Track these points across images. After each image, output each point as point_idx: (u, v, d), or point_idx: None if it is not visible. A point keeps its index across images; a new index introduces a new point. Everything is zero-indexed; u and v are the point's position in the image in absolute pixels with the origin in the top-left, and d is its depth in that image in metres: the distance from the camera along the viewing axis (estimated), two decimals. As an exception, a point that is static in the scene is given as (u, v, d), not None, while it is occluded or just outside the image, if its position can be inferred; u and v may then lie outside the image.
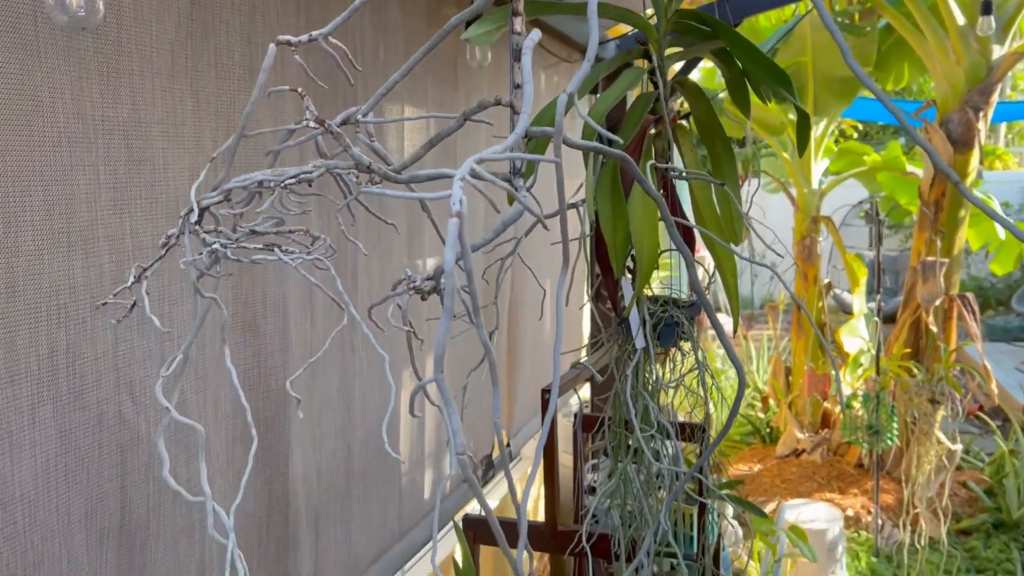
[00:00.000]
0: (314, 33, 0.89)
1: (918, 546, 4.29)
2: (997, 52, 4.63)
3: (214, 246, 0.87)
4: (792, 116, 5.66)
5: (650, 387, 1.33)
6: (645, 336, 1.31)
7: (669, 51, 1.38)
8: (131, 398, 1.08)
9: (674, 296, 1.39)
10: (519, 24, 0.88)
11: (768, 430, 5.65)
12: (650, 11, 1.35)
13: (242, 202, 0.94)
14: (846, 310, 6.83)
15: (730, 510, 4.34)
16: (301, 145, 1.29)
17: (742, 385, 0.97)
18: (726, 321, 5.90)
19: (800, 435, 5.27)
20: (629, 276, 1.37)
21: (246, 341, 1.33)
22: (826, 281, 5.56)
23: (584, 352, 2.41)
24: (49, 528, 0.97)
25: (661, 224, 1.36)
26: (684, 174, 1.34)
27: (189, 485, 1.19)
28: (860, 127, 9.97)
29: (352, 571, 1.65)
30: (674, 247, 1.46)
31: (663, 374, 1.37)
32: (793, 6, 4.68)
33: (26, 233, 0.93)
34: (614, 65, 1.34)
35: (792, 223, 5.73)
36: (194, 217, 0.88)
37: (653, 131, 1.35)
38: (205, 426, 1.23)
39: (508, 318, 2.39)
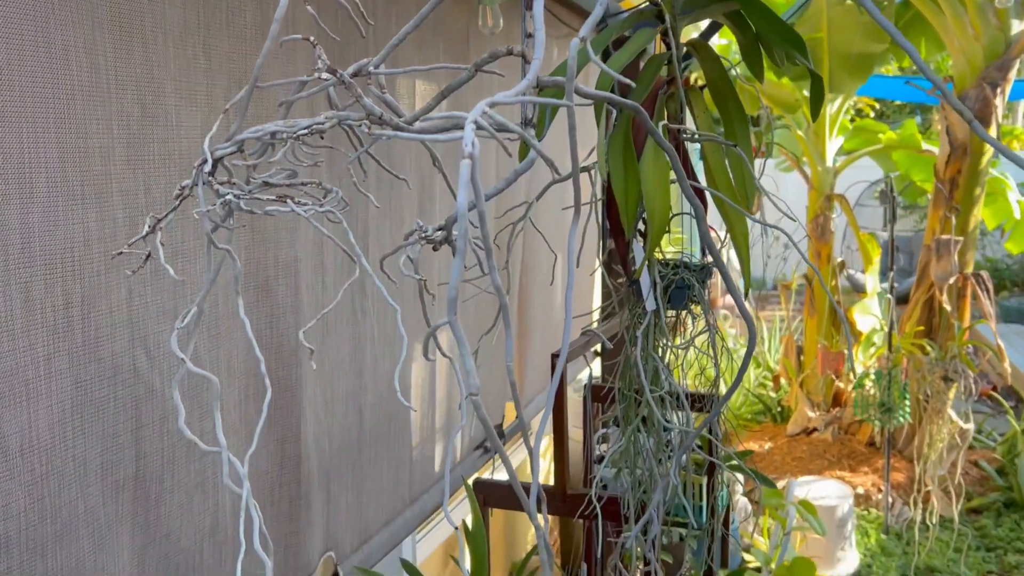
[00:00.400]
0: (325, -18, 0.88)
1: (928, 524, 4.29)
2: (1016, 27, 4.57)
3: (227, 197, 0.87)
4: (807, 93, 5.61)
5: (660, 350, 1.33)
6: (656, 298, 1.31)
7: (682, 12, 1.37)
8: (145, 352, 1.09)
9: (685, 260, 1.39)
10: (530, -27, 0.88)
11: (779, 409, 5.65)
12: (663, -29, 1.34)
13: (255, 153, 0.94)
14: (859, 290, 6.80)
15: (740, 486, 4.35)
16: (312, 98, 1.30)
17: (752, 339, 0.98)
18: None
19: (811, 414, 5.26)
20: (640, 239, 1.37)
21: (259, 302, 1.34)
22: (839, 260, 5.53)
23: (595, 319, 2.41)
24: (66, 476, 0.98)
25: (674, 187, 1.36)
26: (696, 136, 1.33)
27: (203, 439, 1.20)
28: (877, 106, 9.87)
29: (363, 534, 1.67)
30: (686, 211, 1.46)
31: (674, 339, 1.37)
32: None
33: (41, 185, 0.94)
34: (627, 26, 1.33)
35: (806, 201, 5.69)
36: (208, 167, 0.89)
37: (666, 93, 1.35)
38: (219, 400, 1.24)
39: (519, 288, 2.39)
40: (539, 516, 0.66)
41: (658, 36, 1.37)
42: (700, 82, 1.42)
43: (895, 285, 4.39)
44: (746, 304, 1.04)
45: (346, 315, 1.56)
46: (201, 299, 0.88)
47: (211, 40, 1.17)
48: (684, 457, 1.31)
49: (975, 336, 4.89)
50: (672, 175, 1.31)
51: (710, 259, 1.43)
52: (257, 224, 1.32)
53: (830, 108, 5.61)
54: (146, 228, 0.87)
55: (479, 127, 0.65)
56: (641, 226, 1.40)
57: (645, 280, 1.32)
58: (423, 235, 0.82)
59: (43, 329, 0.94)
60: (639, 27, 1.34)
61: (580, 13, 2.70)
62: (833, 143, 5.65)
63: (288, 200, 0.91)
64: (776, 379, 5.88)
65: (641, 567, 1.43)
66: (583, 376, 3.24)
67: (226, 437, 1.27)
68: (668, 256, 1.41)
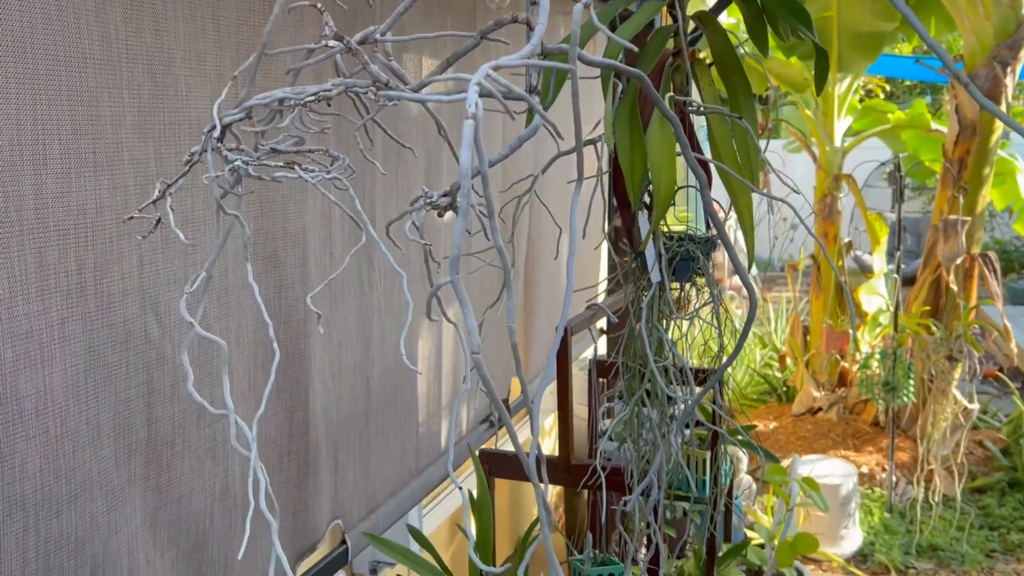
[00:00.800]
0: (333, -50, 0.89)
1: (932, 503, 4.31)
2: None
3: (236, 163, 0.89)
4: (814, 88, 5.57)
5: (664, 322, 1.34)
6: (660, 270, 1.32)
7: (688, -16, 1.37)
8: (156, 319, 1.11)
9: (690, 232, 1.40)
10: (535, -59, 0.88)
11: (785, 389, 5.67)
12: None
13: (263, 120, 0.95)
14: (865, 271, 6.79)
15: (744, 464, 4.37)
16: (320, 67, 1.30)
17: (753, 306, 0.99)
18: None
19: (816, 393, 5.28)
20: (646, 212, 1.38)
21: (267, 272, 1.35)
22: (847, 240, 5.52)
23: (600, 292, 2.42)
24: (80, 439, 1.00)
25: (680, 162, 1.37)
26: (701, 109, 1.34)
27: (212, 405, 1.22)
28: (887, 87, 9.80)
29: (370, 503, 1.69)
30: (691, 184, 1.47)
31: (678, 312, 1.38)
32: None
33: (54, 152, 0.95)
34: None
35: (814, 181, 5.67)
36: (216, 134, 0.90)
37: (672, 66, 1.35)
38: (227, 364, 1.26)
39: (525, 266, 2.41)
40: (540, 482, 0.68)
41: (664, 9, 1.37)
42: (708, 60, 1.43)
43: (902, 265, 4.38)
44: (749, 277, 1.05)
45: (353, 287, 1.58)
46: (210, 265, 0.89)
47: (220, 10, 1.18)
48: (687, 426, 1.33)
49: (982, 317, 4.89)
50: (678, 147, 1.31)
51: (715, 231, 1.44)
52: (265, 195, 1.33)
53: (839, 87, 5.58)
54: (156, 193, 0.89)
55: (483, 92, 0.66)
56: (647, 199, 1.41)
57: (650, 252, 1.33)
58: (428, 201, 0.83)
59: (57, 293, 0.96)
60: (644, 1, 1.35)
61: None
62: (841, 123, 5.62)
63: (296, 167, 0.93)
64: (782, 359, 5.90)
65: (644, 538, 1.45)
66: (588, 354, 3.26)
67: (235, 405, 1.29)
68: (673, 230, 1.42)
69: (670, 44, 1.36)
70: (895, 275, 4.25)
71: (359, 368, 1.62)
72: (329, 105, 0.94)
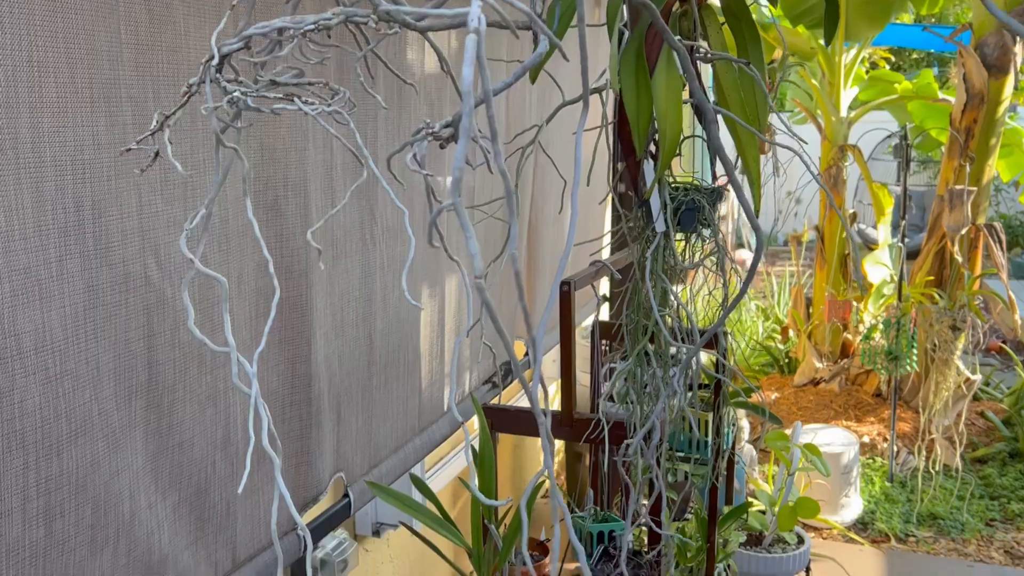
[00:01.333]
0: None
1: (932, 472, 4.33)
2: None
3: (234, 94, 0.87)
4: (823, 41, 5.51)
5: (668, 272, 1.33)
6: (666, 220, 1.30)
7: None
8: (156, 262, 1.10)
9: (696, 183, 1.38)
10: None
11: (787, 360, 5.66)
12: None
13: (262, 51, 0.93)
14: (869, 245, 6.76)
15: (745, 434, 4.38)
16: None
17: (759, 244, 0.97)
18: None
19: (819, 364, 5.27)
20: (651, 161, 1.36)
21: (268, 221, 1.34)
22: (851, 211, 5.49)
23: (605, 254, 2.40)
24: (80, 378, 1.00)
25: (685, 111, 1.35)
26: (709, 55, 1.32)
27: (213, 355, 1.22)
28: (892, 59, 9.70)
29: (372, 458, 1.69)
30: (697, 135, 1.44)
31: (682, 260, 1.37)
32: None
33: (50, 87, 0.93)
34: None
35: (819, 152, 5.63)
36: (215, 64, 0.88)
37: (679, 11, 1.33)
38: (228, 308, 1.25)
39: (529, 224, 2.39)
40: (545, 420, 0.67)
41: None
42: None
43: (907, 236, 4.36)
44: (755, 217, 1.04)
45: (355, 241, 1.57)
46: (210, 201, 0.88)
47: (218, -50, 1.16)
48: (690, 388, 1.31)
49: (985, 289, 4.87)
50: (685, 94, 1.29)
51: (721, 182, 1.42)
52: (267, 142, 1.31)
53: (845, 57, 5.52)
54: (154, 124, 0.87)
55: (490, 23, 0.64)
56: (652, 149, 1.39)
57: (655, 202, 1.31)
58: (430, 132, 0.82)
59: (55, 230, 0.95)
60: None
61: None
62: (848, 93, 5.57)
63: (295, 99, 0.91)
64: (784, 331, 5.89)
65: (645, 490, 1.45)
66: (588, 323, 3.25)
67: (237, 352, 1.28)
68: (679, 180, 1.40)
69: (677, -11, 1.34)
70: (899, 244, 4.23)
71: (362, 322, 1.61)
72: (329, 36, 0.92)
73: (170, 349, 1.14)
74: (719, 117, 1.31)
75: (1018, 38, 4.51)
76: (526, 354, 2.57)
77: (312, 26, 0.88)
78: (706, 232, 1.35)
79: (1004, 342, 6.05)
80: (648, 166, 1.31)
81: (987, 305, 4.89)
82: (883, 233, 5.55)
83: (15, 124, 0.91)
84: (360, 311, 1.60)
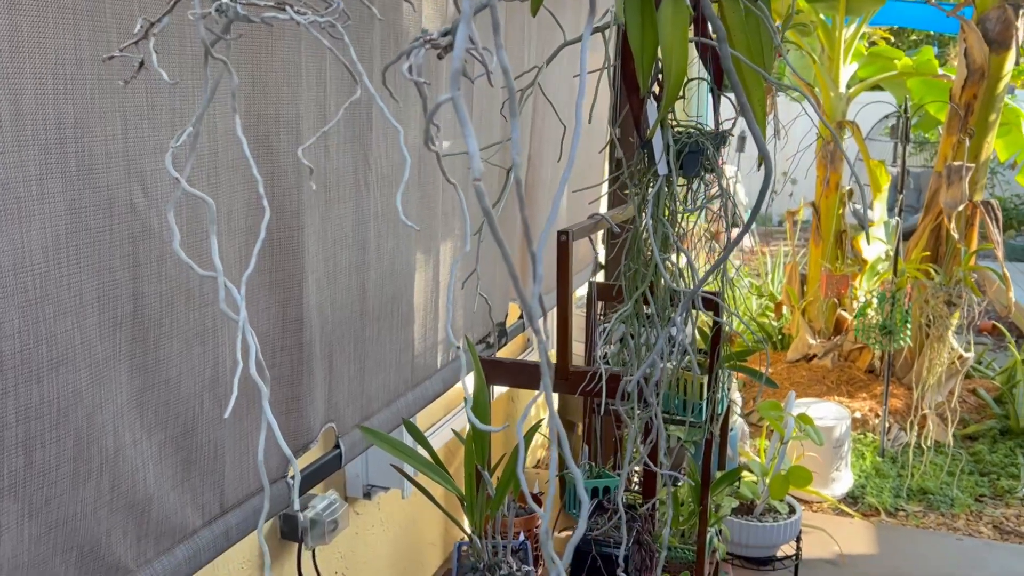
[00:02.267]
0: None
1: (923, 448, 4.33)
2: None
3: (224, 1, 0.83)
4: (823, 16, 5.46)
5: (669, 215, 1.30)
6: (668, 162, 1.27)
7: None
8: (142, 189, 1.06)
9: (699, 126, 1.35)
10: None
11: (780, 337, 5.66)
12: None
13: (254, -43, 0.89)
14: (863, 225, 6.74)
15: (738, 408, 4.37)
16: None
17: (769, 170, 0.94)
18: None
19: (812, 340, 5.27)
20: (654, 102, 1.32)
21: (259, 158, 1.30)
22: (848, 188, 5.47)
23: (603, 209, 2.36)
24: (61, 304, 0.96)
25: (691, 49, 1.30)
26: (716, -8, 1.27)
27: (202, 291, 1.18)
28: (891, 39, 9.64)
29: (364, 409, 1.66)
30: (701, 77, 1.41)
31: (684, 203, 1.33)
32: None
33: (30, -5, 0.89)
34: None
35: (817, 129, 5.59)
36: (204, -34, 0.84)
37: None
38: (216, 237, 1.21)
39: (525, 183, 2.35)
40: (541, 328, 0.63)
41: None
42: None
43: (903, 210, 4.33)
44: (764, 142, 1.00)
45: (349, 187, 1.53)
46: (197, 118, 0.84)
47: None
48: (685, 353, 1.28)
49: (981, 266, 4.86)
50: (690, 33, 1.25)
51: (724, 128, 1.38)
52: (258, 75, 1.27)
53: (845, 33, 5.47)
54: (138, 28, 0.83)
55: None
56: (656, 89, 1.35)
57: (658, 143, 1.28)
58: (428, 40, 0.78)
59: (34, 146, 0.91)
60: None
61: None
62: (847, 69, 5.53)
63: (287, 7, 0.87)
64: (778, 307, 5.88)
65: (640, 438, 1.43)
66: (583, 291, 3.23)
67: (226, 290, 1.24)
68: (682, 123, 1.36)
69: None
70: (896, 219, 4.20)
71: (355, 270, 1.57)
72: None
73: (157, 281, 1.10)
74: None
75: (1020, 12, 4.47)
76: (520, 317, 2.54)
77: (307, -72, 0.83)
78: (708, 176, 1.32)
79: (997, 322, 6.06)
80: (651, 106, 1.28)
81: (982, 282, 4.88)
82: (878, 211, 5.53)
83: (-7, 35, 0.86)
84: (353, 259, 1.56)
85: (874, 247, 5.18)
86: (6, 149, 0.88)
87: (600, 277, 3.33)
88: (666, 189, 1.30)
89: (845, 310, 5.27)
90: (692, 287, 1.24)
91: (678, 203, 1.30)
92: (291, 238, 1.38)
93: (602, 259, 3.32)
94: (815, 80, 5.64)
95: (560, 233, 1.61)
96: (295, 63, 1.33)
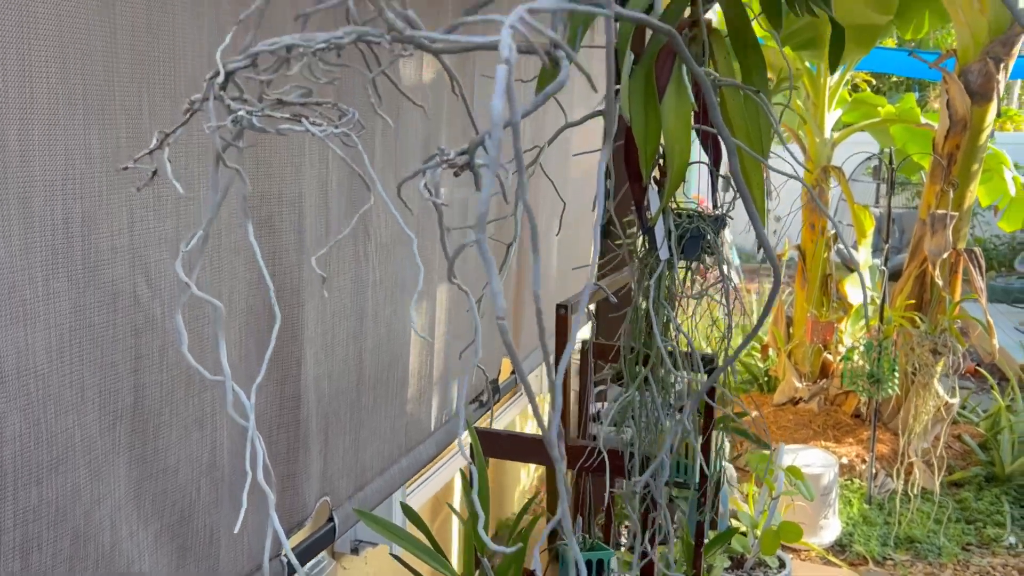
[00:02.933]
0: None
1: (910, 495, 4.34)
2: (1023, 2, 4.52)
3: (239, 113, 0.83)
4: (808, 64, 5.55)
5: (670, 300, 1.30)
6: (670, 247, 1.28)
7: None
8: (146, 280, 1.05)
9: (699, 210, 1.36)
10: None
11: (766, 379, 5.67)
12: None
13: (269, 69, 0.90)
14: (848, 265, 6.81)
15: (726, 452, 4.36)
16: (327, 11, 1.24)
17: (776, 282, 0.95)
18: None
19: (798, 384, 5.29)
20: (655, 186, 1.33)
21: (261, 237, 1.30)
22: (832, 232, 5.52)
23: (593, 274, 2.37)
24: (63, 403, 0.95)
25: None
26: (716, 81, 1.30)
27: (202, 377, 1.17)
28: (873, 82, 9.82)
29: (358, 480, 1.65)
30: (702, 161, 1.42)
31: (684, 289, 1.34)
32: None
33: (41, 92, 0.89)
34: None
35: (803, 173, 5.66)
36: (220, 80, 0.84)
37: (688, 36, 1.31)
38: (217, 327, 1.20)
39: (519, 247, 2.36)
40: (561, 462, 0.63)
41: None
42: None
43: (885, 252, 4.38)
44: (772, 249, 1.01)
45: (348, 258, 1.53)
46: (207, 223, 0.84)
47: (219, -42, 1.12)
48: (693, 407, 1.29)
49: (964, 313, 4.91)
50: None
51: (722, 210, 1.40)
52: (262, 156, 1.27)
53: (830, 80, 5.56)
54: (154, 142, 0.83)
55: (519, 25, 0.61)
56: (656, 174, 1.37)
57: (659, 228, 1.29)
58: (445, 159, 0.78)
59: (42, 247, 0.90)
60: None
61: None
62: (831, 115, 5.61)
63: (303, 119, 0.87)
64: (764, 349, 5.90)
65: (638, 522, 1.42)
66: (579, 334, 3.23)
67: (232, 383, 1.24)
68: (682, 207, 1.38)
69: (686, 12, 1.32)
70: (882, 267, 4.25)
71: (352, 340, 1.57)
72: (339, 55, 0.89)
73: (158, 371, 1.09)
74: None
75: (1001, 66, 4.57)
76: (512, 372, 2.53)
77: (323, 45, 0.84)
78: (709, 260, 1.33)
79: (979, 365, 6.11)
80: (653, 192, 1.29)
81: (966, 329, 4.93)
82: (863, 255, 5.59)
83: (3, 132, 0.86)
84: (351, 329, 1.56)
85: (859, 292, 5.23)
86: (14, 254, 0.87)
87: (587, 326, 3.34)
88: (667, 271, 1.31)
89: (831, 353, 5.30)
90: (698, 375, 1.25)
91: (678, 286, 1.30)
92: (291, 316, 1.37)
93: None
94: (799, 126, 5.72)
95: (559, 307, 1.61)
96: (298, 142, 1.33)
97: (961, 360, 4.12)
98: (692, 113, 1.26)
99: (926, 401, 4.28)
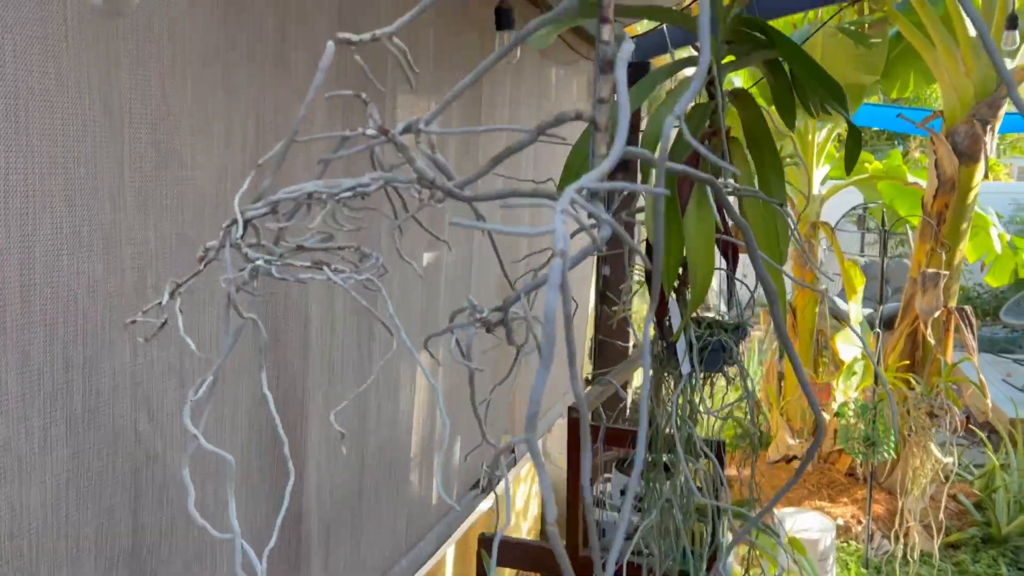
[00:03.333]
0: (378, 32, 0.80)
1: (909, 559, 4.28)
2: (1008, 65, 4.60)
3: (257, 262, 0.78)
4: (799, 123, 5.60)
5: (692, 414, 1.26)
6: (691, 361, 1.24)
7: (725, 60, 1.31)
8: (148, 414, 0.99)
9: (719, 320, 1.32)
10: (607, 33, 0.80)
11: (759, 434, 5.63)
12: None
13: (288, 214, 0.85)
14: (839, 317, 6.81)
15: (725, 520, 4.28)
16: (350, 155, 1.20)
17: (820, 430, 0.90)
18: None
19: (791, 441, 5.24)
20: (676, 301, 1.29)
21: (267, 352, 1.24)
22: (822, 287, 5.53)
23: (589, 365, 2.32)
24: (58, 556, 0.88)
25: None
26: (735, 190, 1.27)
27: (203, 509, 1.11)
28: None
29: (360, 588, 1.58)
30: (720, 267, 1.39)
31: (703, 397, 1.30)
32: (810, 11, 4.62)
33: (45, 227, 0.84)
34: (670, 74, 1.26)
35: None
36: (237, 231, 0.80)
37: (708, 146, 1.28)
38: (219, 445, 1.14)
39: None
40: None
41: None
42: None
43: (879, 313, 4.37)
44: (809, 385, 0.97)
45: (352, 361, 1.47)
46: (217, 368, 0.78)
47: (230, 69, 1.08)
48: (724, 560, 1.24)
49: (955, 370, 4.90)
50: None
51: (741, 318, 1.36)
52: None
53: (818, 136, 5.62)
54: (166, 295, 0.78)
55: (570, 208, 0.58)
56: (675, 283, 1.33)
57: (681, 343, 1.25)
58: (477, 316, 0.74)
59: (40, 396, 0.85)
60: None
61: (588, 39, 2.64)
62: (819, 171, 5.66)
63: (324, 267, 0.83)
64: (756, 404, 5.86)
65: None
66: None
67: (226, 502, 1.17)
68: (702, 316, 1.34)
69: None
70: (877, 329, 4.23)
71: (354, 444, 1.50)
72: (363, 199, 0.84)
73: (157, 509, 1.02)
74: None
75: (988, 128, 4.62)
76: (512, 450, 2.47)
77: (348, 192, 0.80)
78: (731, 372, 1.29)
79: (969, 420, 6.10)
80: (674, 306, 1.25)
81: (958, 388, 4.92)
82: (854, 310, 5.59)
83: (3, 268, 0.81)
84: (354, 432, 1.50)
85: (850, 348, 5.22)
86: (9, 405, 0.81)
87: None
88: (689, 385, 1.27)
89: (826, 412, 5.27)
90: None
91: (698, 401, 1.26)
92: (294, 427, 1.31)
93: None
94: (789, 182, 5.75)
95: (571, 409, 1.56)
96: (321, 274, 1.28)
97: (958, 422, 4.10)
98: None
99: (923, 463, 4.24)
